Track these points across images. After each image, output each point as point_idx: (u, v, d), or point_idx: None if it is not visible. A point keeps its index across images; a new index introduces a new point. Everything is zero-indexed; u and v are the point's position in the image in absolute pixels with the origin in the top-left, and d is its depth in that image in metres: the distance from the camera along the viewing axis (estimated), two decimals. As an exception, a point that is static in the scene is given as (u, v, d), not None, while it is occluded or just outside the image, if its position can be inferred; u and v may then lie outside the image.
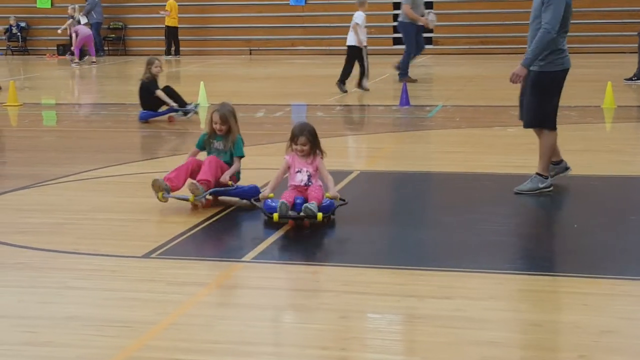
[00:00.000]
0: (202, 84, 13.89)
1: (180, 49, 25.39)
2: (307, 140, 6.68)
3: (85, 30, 23.66)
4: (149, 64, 12.18)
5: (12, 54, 27.03)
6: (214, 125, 7.25)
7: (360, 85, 15.18)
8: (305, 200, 6.45)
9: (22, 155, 10.15)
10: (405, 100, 13.35)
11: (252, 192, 7.01)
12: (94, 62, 23.70)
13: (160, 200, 6.93)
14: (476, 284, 5.21)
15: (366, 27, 15.24)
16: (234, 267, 5.67)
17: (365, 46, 15.17)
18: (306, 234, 6.29)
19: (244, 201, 7.03)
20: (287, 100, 14.96)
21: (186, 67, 22.35)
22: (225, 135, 7.29)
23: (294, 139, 6.75)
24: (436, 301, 4.89)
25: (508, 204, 7.18)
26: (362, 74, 15.15)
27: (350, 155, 9.54)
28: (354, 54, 15.12)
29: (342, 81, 15.15)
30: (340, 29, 25.39)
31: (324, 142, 6.89)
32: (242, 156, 7.29)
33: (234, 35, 26.24)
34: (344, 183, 7.90)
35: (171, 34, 25.15)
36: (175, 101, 12.17)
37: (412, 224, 6.68)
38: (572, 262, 5.76)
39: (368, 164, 9.04)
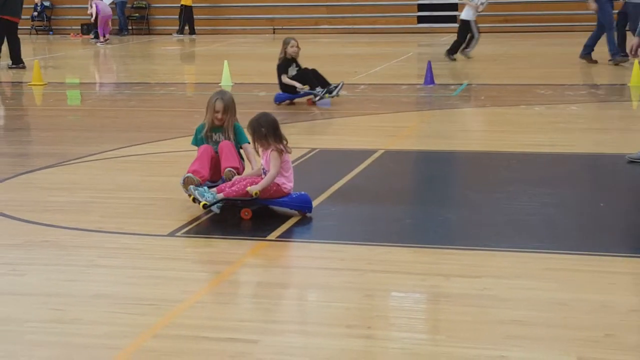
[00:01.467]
0: (225, 63, 13.86)
1: (198, 27, 25.35)
2: (250, 132, 6.30)
3: (105, 9, 23.67)
4: (285, 44, 11.51)
5: (37, 33, 27.14)
6: (216, 115, 6.69)
7: (464, 51, 16.80)
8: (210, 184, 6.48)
9: (47, 134, 10.20)
10: (429, 79, 13.29)
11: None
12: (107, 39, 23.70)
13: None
14: (502, 263, 5.19)
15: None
16: (259, 246, 5.68)
17: (475, 20, 16.71)
18: (330, 213, 6.28)
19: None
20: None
21: (208, 47, 22.33)
22: (223, 126, 6.76)
23: None
24: (462, 280, 4.87)
25: (534, 182, 7.13)
26: (469, 42, 16.82)
27: (375, 134, 9.50)
28: (466, 28, 16.72)
29: (452, 52, 16.75)
30: (363, 7, 25.30)
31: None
32: (248, 142, 6.85)
33: (256, 15, 26.17)
34: (368, 162, 7.88)
35: (187, 13, 25.09)
36: (320, 84, 11.42)
37: (437, 203, 6.65)
38: (599, 241, 5.72)
39: (392, 142, 9.01)
